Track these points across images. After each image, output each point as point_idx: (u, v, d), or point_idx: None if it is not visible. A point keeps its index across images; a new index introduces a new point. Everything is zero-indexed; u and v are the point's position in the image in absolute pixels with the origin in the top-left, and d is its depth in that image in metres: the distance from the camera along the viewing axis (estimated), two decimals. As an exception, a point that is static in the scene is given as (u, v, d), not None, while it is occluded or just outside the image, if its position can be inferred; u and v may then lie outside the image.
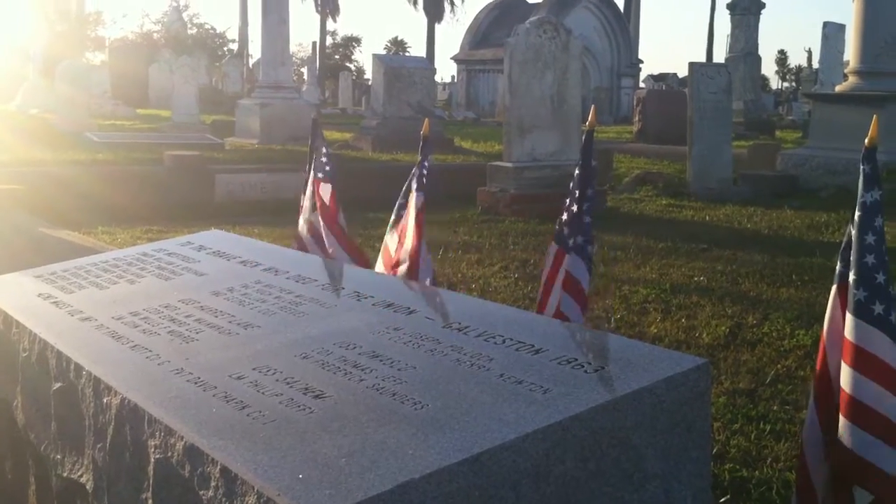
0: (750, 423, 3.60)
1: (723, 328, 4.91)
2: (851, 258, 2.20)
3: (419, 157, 3.73)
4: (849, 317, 2.18)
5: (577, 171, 3.34)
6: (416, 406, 1.81)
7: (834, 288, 2.29)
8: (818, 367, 2.31)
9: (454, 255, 6.95)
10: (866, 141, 2.20)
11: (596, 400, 1.78)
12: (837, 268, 2.28)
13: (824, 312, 2.33)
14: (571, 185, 3.36)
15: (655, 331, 4.87)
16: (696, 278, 6.25)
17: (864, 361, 2.15)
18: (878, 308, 2.13)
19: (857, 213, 2.18)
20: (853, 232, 2.20)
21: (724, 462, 3.22)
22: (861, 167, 2.19)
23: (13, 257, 4.69)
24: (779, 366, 4.31)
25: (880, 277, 2.14)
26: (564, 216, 3.35)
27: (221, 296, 2.75)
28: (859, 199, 2.19)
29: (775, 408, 3.77)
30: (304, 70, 44.01)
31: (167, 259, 3.28)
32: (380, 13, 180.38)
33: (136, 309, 2.68)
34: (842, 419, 2.19)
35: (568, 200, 3.35)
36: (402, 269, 3.55)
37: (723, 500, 2.92)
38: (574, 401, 1.77)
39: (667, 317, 5.18)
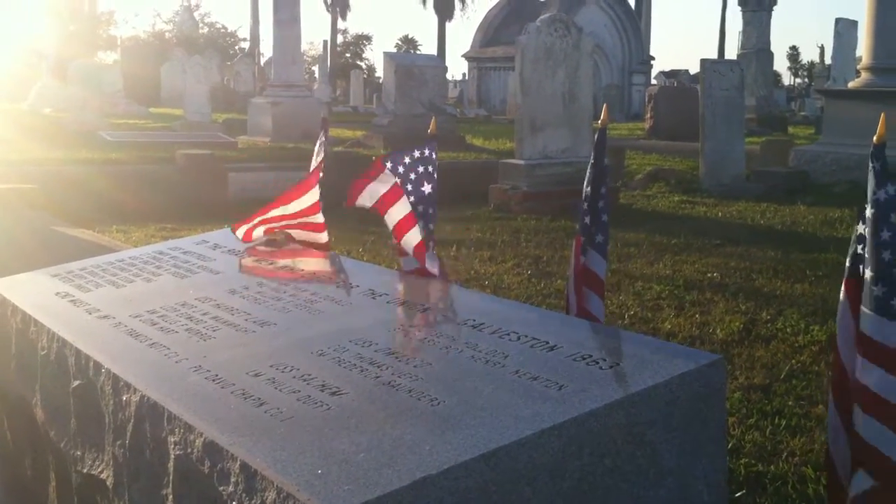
0: (765, 418, 3.60)
1: (737, 324, 4.91)
2: (867, 255, 2.19)
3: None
4: (868, 313, 2.17)
5: (589, 169, 3.33)
6: (432, 402, 1.83)
7: (844, 283, 2.29)
8: (833, 360, 2.31)
9: (467, 253, 6.96)
10: (874, 138, 2.20)
11: (611, 396, 1.79)
12: (847, 263, 2.29)
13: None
14: (585, 183, 3.34)
15: (669, 327, 4.87)
16: (709, 274, 6.25)
17: (887, 358, 2.13)
18: None
19: (869, 211, 2.17)
20: (867, 230, 2.19)
21: (740, 457, 3.22)
22: (870, 165, 2.18)
23: (28, 256, 4.71)
24: (793, 361, 4.30)
25: None
26: (587, 218, 3.31)
27: (237, 294, 2.77)
28: (871, 197, 2.17)
29: (790, 403, 3.76)
30: (315, 68, 44.08)
31: (183, 257, 3.30)
32: (390, 11, 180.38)
33: (153, 307, 2.69)
34: (857, 410, 2.18)
35: (584, 199, 3.33)
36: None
37: (738, 494, 2.92)
38: (589, 397, 1.78)
39: (680, 313, 5.17)
